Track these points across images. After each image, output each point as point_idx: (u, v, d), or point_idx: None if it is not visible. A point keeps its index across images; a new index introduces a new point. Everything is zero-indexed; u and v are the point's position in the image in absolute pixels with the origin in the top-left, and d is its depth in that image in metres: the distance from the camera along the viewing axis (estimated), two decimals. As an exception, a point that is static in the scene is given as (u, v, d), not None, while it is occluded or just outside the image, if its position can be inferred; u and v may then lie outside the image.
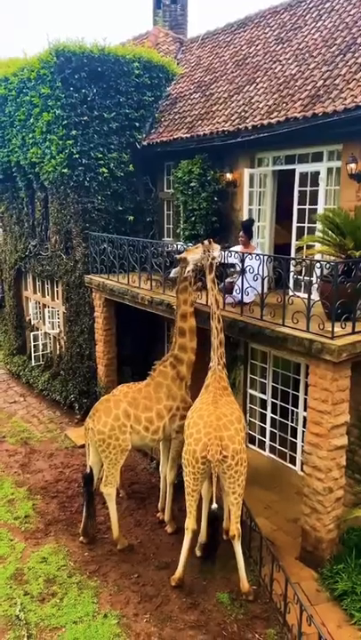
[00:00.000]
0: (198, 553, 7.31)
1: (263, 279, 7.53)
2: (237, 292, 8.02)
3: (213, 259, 7.49)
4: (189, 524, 6.72)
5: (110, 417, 7.42)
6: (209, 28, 14.97)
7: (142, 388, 7.87)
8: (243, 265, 7.63)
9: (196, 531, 6.85)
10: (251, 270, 7.57)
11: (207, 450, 6.31)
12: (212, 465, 6.31)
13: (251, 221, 9.14)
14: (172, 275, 8.57)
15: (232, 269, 8.28)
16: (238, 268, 7.92)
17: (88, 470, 7.77)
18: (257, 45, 11.40)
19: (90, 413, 7.72)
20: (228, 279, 8.23)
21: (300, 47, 9.97)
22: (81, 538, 7.88)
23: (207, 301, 7.91)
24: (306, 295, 6.83)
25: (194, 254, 7.72)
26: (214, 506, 6.26)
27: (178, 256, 7.96)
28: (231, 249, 8.49)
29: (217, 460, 6.28)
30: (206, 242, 7.68)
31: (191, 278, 7.79)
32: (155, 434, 7.72)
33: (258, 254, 7.71)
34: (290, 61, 9.92)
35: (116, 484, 7.69)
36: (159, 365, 8.01)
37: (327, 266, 6.78)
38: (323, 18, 10.14)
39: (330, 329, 6.48)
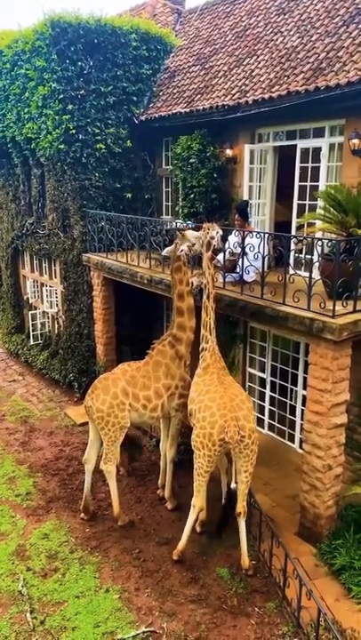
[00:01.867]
0: (198, 529, 7.40)
1: (264, 258, 7.45)
2: (238, 270, 7.94)
3: (212, 238, 7.37)
4: (197, 501, 6.72)
5: (109, 395, 7.45)
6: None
7: (141, 367, 7.88)
8: (243, 243, 7.54)
9: (203, 509, 6.87)
10: (251, 248, 7.48)
11: (225, 432, 6.30)
12: (231, 446, 6.35)
13: (245, 203, 9.00)
14: (164, 253, 8.47)
15: (230, 250, 8.14)
16: (238, 249, 7.82)
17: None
18: (257, 16, 11.09)
19: (89, 391, 7.75)
20: (229, 257, 8.13)
21: (302, 18, 9.70)
22: (82, 515, 7.96)
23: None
24: (307, 274, 6.77)
25: (193, 231, 7.64)
26: (233, 485, 6.43)
27: (178, 233, 7.85)
28: (229, 237, 8.34)
29: (236, 441, 6.30)
30: (207, 223, 7.56)
31: (185, 258, 7.70)
32: (153, 412, 7.74)
33: (259, 232, 7.61)
34: (291, 33, 9.66)
35: (115, 462, 7.73)
36: (158, 344, 8.01)
37: (329, 244, 6.70)
38: (326, -13, 9.84)
39: (331, 308, 6.44)
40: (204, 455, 6.51)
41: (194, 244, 7.74)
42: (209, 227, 7.46)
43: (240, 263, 7.86)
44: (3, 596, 6.48)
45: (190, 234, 7.69)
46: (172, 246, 7.87)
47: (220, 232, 7.56)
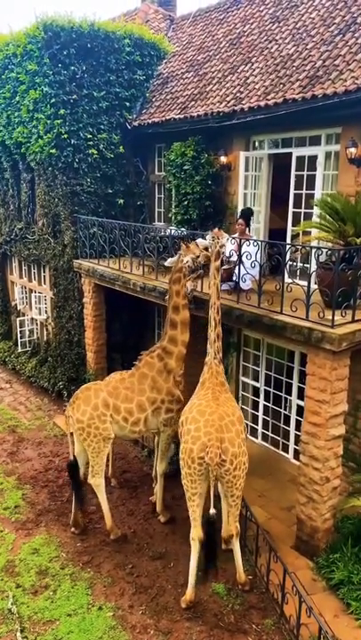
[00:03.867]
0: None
1: (261, 266, 7.35)
2: (234, 278, 7.83)
3: (222, 246, 7.15)
4: (195, 533, 6.20)
5: (89, 406, 7.23)
6: (199, 5, 14.57)
7: (126, 378, 7.61)
8: (240, 251, 7.44)
9: (203, 540, 6.20)
10: (248, 257, 7.38)
11: (206, 451, 5.91)
12: (209, 468, 5.93)
13: (250, 210, 8.97)
14: (167, 264, 8.31)
15: (230, 258, 8.03)
16: (235, 257, 7.70)
17: (72, 458, 7.58)
18: (252, 24, 11.08)
19: (70, 401, 7.55)
20: (225, 266, 8.02)
21: (298, 26, 9.69)
22: (72, 528, 7.74)
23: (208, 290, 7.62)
24: (304, 282, 6.68)
25: (203, 240, 7.49)
26: (212, 511, 5.93)
27: (183, 244, 7.66)
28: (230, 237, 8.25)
29: (215, 464, 5.88)
30: (216, 229, 7.37)
31: (186, 270, 7.54)
32: (134, 425, 7.44)
33: (256, 240, 7.53)
34: (287, 41, 9.64)
35: (102, 474, 7.49)
36: (146, 356, 7.73)
37: (328, 253, 6.63)
38: (320, -4, 9.85)
39: (330, 317, 6.35)
40: (185, 474, 6.17)
41: (198, 256, 7.58)
42: (218, 235, 7.20)
43: (236, 271, 7.75)
44: (-9, 614, 6.25)
45: (200, 242, 7.53)
46: (176, 257, 7.67)
47: (227, 237, 7.43)
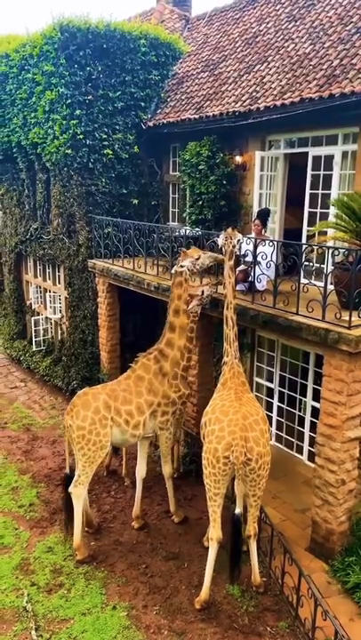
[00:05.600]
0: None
1: (277, 266, 7.31)
2: (250, 278, 7.80)
3: (234, 246, 7.15)
4: (214, 533, 6.15)
5: (90, 410, 6.97)
6: (215, 5, 14.53)
7: (122, 381, 7.50)
8: (255, 251, 7.40)
9: (221, 541, 6.19)
10: (264, 257, 7.34)
11: (231, 450, 5.90)
12: (235, 467, 5.92)
13: (268, 210, 8.93)
14: (173, 271, 8.25)
15: (245, 258, 8.00)
16: (250, 257, 7.67)
17: (68, 471, 7.36)
18: (268, 23, 11.02)
19: (67, 409, 7.23)
20: (241, 267, 8.00)
21: (314, 25, 9.62)
22: (86, 528, 7.74)
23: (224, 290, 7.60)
24: (320, 283, 6.62)
25: (216, 238, 7.47)
26: (238, 510, 5.92)
27: (181, 251, 7.67)
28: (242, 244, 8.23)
29: (241, 463, 5.87)
30: (229, 229, 7.36)
31: (186, 274, 7.50)
32: (135, 428, 7.27)
33: (272, 240, 7.49)
34: (303, 40, 9.58)
35: (87, 485, 7.17)
36: (142, 358, 7.63)
37: (345, 253, 6.57)
38: (337, -6, 9.77)
39: (346, 318, 6.30)
40: (209, 474, 6.13)
41: (198, 259, 7.55)
42: (231, 234, 7.20)
43: (252, 272, 7.71)
44: (7, 612, 6.28)
45: (203, 256, 7.53)
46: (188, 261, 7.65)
47: (243, 239, 7.40)
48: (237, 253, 7.36)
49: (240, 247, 7.26)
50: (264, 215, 8.65)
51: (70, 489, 7.09)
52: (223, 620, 6.15)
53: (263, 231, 8.60)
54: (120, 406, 7.15)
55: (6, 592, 6.58)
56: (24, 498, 8.62)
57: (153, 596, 6.51)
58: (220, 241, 7.34)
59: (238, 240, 7.20)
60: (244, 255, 7.83)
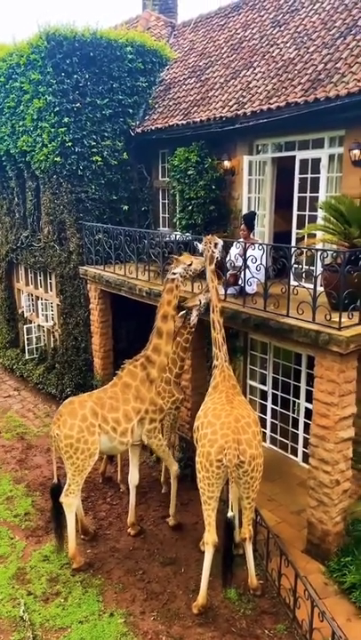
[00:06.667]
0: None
1: (267, 269, 7.36)
2: (240, 282, 7.85)
3: (214, 251, 7.27)
4: (209, 537, 6.15)
5: (77, 418, 6.89)
6: (200, 11, 14.66)
7: (108, 389, 7.44)
8: (245, 254, 7.45)
9: (217, 545, 6.18)
10: (254, 260, 7.40)
11: (224, 453, 5.92)
12: (228, 470, 5.94)
13: (253, 214, 8.97)
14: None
15: (234, 262, 8.07)
16: (240, 261, 7.74)
17: (56, 480, 7.30)
18: (253, 29, 11.13)
19: (54, 419, 7.17)
20: (231, 271, 8.05)
21: (298, 30, 9.73)
22: (82, 535, 7.72)
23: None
24: (310, 285, 6.68)
25: (197, 243, 7.55)
26: (230, 514, 5.95)
27: (173, 258, 7.72)
28: (230, 250, 8.30)
29: (234, 465, 5.90)
30: (208, 235, 7.48)
31: (178, 281, 7.52)
32: (123, 436, 7.19)
33: (261, 244, 7.54)
34: (288, 45, 9.68)
35: (78, 494, 7.12)
36: (129, 365, 7.53)
37: (334, 255, 6.63)
38: (320, 0, 9.89)
39: (337, 319, 6.35)
40: (203, 478, 6.14)
41: (190, 265, 7.60)
42: (210, 240, 7.35)
43: (242, 275, 7.76)
44: (4, 622, 6.25)
45: (195, 262, 7.58)
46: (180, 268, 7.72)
47: (221, 243, 7.48)
48: (218, 258, 7.48)
49: (221, 251, 7.37)
50: (249, 219, 8.69)
51: (61, 499, 7.04)
52: (221, 624, 6.15)
53: (251, 235, 8.65)
54: (107, 414, 7.09)
55: (3, 602, 6.55)
56: (19, 507, 8.58)
57: (150, 602, 6.49)
58: (201, 246, 7.43)
59: (216, 244, 7.30)
60: (235, 260, 7.89)
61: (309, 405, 8.16)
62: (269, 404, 9.94)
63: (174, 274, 7.44)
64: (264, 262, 7.36)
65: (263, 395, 10.11)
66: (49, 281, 13.70)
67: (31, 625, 6.17)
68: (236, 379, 7.03)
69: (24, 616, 6.27)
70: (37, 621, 6.24)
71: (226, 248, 8.14)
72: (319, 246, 7.52)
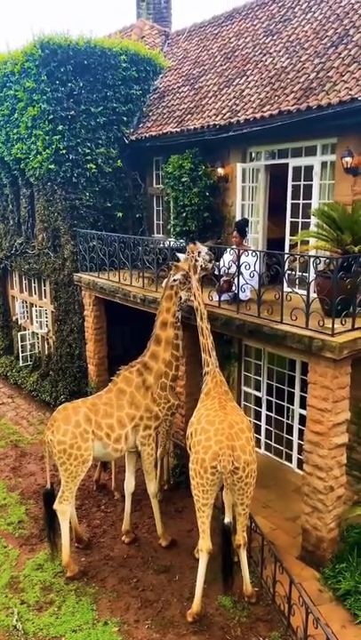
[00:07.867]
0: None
1: (260, 275, 7.39)
2: (234, 289, 7.89)
3: (197, 260, 7.39)
4: (203, 544, 6.14)
5: (70, 424, 6.86)
6: (194, 20, 14.79)
7: (102, 395, 7.42)
8: (238, 261, 7.49)
9: (211, 552, 6.19)
10: (247, 267, 7.43)
11: (218, 459, 5.91)
12: (223, 476, 5.93)
13: (245, 221, 9.03)
14: (164, 285, 8.34)
15: (227, 269, 8.12)
16: (234, 268, 7.78)
17: (49, 487, 7.28)
18: (246, 38, 11.24)
19: (48, 425, 7.14)
20: (224, 278, 8.08)
21: (291, 39, 9.83)
22: (76, 543, 7.68)
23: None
24: (303, 291, 6.71)
25: (181, 255, 7.63)
26: (227, 520, 5.94)
27: (173, 264, 7.78)
28: (224, 256, 8.36)
29: (228, 472, 5.89)
30: (191, 244, 7.56)
31: (177, 288, 7.56)
32: (117, 443, 7.14)
33: (255, 250, 7.58)
34: (280, 54, 9.77)
35: (72, 501, 7.07)
36: (124, 371, 7.53)
37: (327, 261, 6.67)
38: (313, 9, 10.00)
39: (330, 326, 6.37)
40: (197, 485, 6.12)
41: (199, 253, 7.67)
42: (193, 249, 7.44)
43: (236, 282, 7.79)
44: (-4, 632, 6.20)
45: (181, 257, 7.64)
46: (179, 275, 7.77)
47: (205, 250, 7.54)
48: (203, 265, 7.59)
49: (205, 259, 7.44)
50: (242, 226, 8.74)
51: (55, 506, 6.99)
52: (216, 631, 6.12)
53: (244, 241, 8.69)
54: (101, 420, 7.06)
55: (-4, 611, 6.50)
56: (13, 515, 8.53)
57: (145, 611, 6.46)
58: (183, 257, 7.50)
59: (200, 252, 7.38)
60: (228, 267, 7.93)
61: (304, 411, 8.17)
62: (264, 411, 9.95)
63: (174, 280, 7.46)
64: (257, 269, 7.38)
65: (258, 401, 10.12)
66: (43, 288, 13.69)
67: (25, 634, 6.12)
68: (226, 385, 7.05)
69: (17, 625, 6.22)
70: (31, 630, 6.19)
71: (219, 255, 8.19)
72: (312, 253, 7.57)
